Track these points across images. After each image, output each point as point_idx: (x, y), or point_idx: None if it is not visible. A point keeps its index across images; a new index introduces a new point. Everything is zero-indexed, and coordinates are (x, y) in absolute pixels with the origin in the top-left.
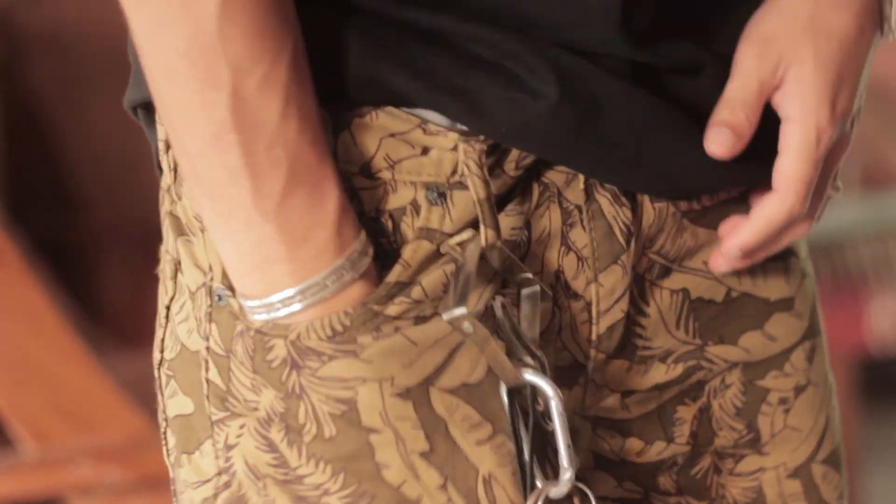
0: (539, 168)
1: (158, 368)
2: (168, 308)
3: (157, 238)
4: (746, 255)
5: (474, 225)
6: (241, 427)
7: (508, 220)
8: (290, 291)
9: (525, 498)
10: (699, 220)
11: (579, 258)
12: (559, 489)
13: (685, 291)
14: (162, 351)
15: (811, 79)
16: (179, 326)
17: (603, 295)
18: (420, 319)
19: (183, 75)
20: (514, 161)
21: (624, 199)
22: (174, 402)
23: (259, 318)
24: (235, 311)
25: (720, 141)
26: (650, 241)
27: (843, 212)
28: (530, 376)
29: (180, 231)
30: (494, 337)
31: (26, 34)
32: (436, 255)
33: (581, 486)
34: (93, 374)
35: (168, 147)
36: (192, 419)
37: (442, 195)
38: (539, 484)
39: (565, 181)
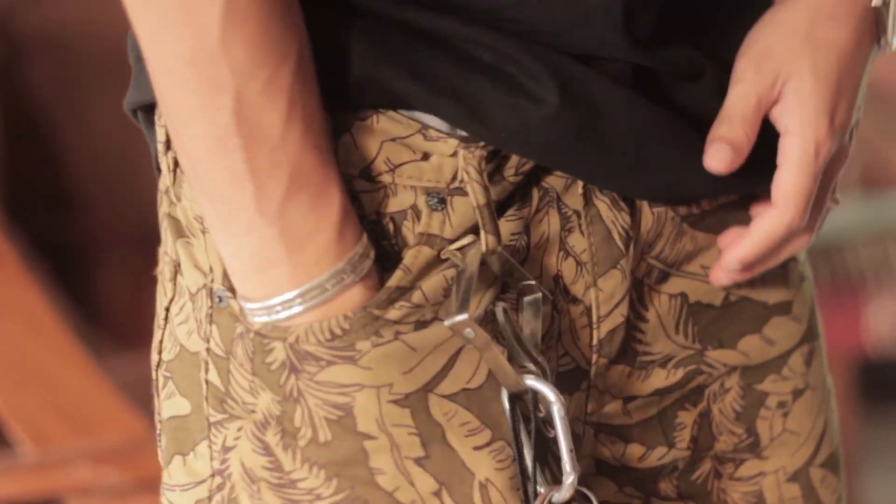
0: (538, 173)
1: (156, 370)
2: (167, 310)
3: (156, 240)
4: (746, 269)
5: (474, 230)
6: (239, 429)
7: (508, 226)
8: (290, 294)
9: (525, 503)
10: (698, 225)
11: (578, 263)
12: (562, 494)
13: (684, 296)
14: (160, 352)
15: (809, 92)
16: (179, 328)
17: (602, 300)
18: (420, 324)
19: (186, 79)
20: (514, 167)
21: (623, 204)
22: (170, 404)
23: (259, 320)
24: (236, 313)
25: (719, 157)
26: (649, 245)
27: (842, 214)
28: (532, 382)
29: (180, 233)
30: (496, 342)
31: (26, 35)
32: (436, 261)
33: (584, 490)
34: (91, 376)
35: (167, 148)
36: (189, 420)
37: (442, 201)
38: (541, 490)
39: (564, 186)
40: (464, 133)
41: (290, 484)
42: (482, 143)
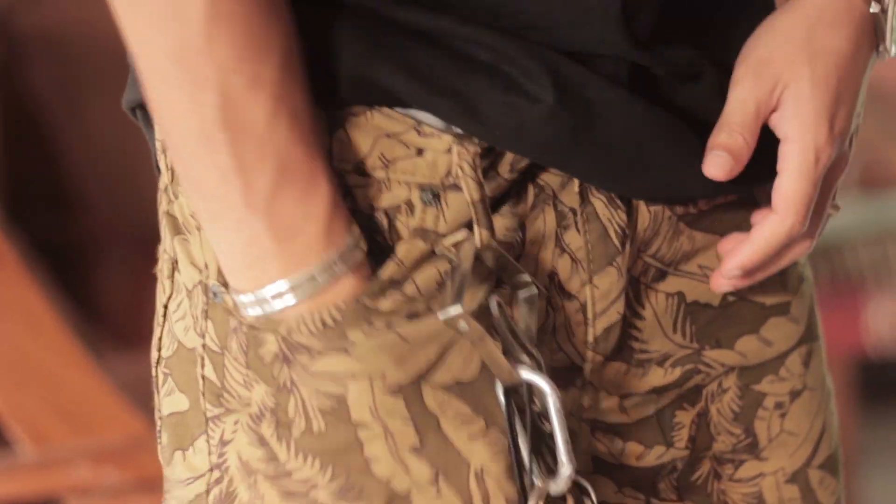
0: (534, 171)
1: (156, 367)
2: (166, 307)
3: (155, 239)
4: (746, 275)
5: (469, 226)
6: (236, 423)
7: (503, 221)
8: (281, 285)
9: (521, 494)
10: (695, 224)
11: (574, 260)
12: (558, 486)
13: (680, 295)
14: (159, 349)
15: (809, 99)
16: (176, 324)
17: (598, 297)
18: (412, 316)
19: (172, 76)
20: (509, 164)
21: (619, 202)
22: (170, 400)
23: (252, 312)
24: (230, 308)
25: (718, 164)
26: (645, 244)
27: (841, 214)
28: (527, 374)
29: (177, 230)
30: (490, 335)
31: (26, 35)
32: (430, 255)
33: (580, 480)
34: (91, 376)
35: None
36: (187, 416)
37: (436, 196)
38: (537, 481)
39: (560, 184)
40: (459, 130)
41: (285, 475)
42: (476, 140)
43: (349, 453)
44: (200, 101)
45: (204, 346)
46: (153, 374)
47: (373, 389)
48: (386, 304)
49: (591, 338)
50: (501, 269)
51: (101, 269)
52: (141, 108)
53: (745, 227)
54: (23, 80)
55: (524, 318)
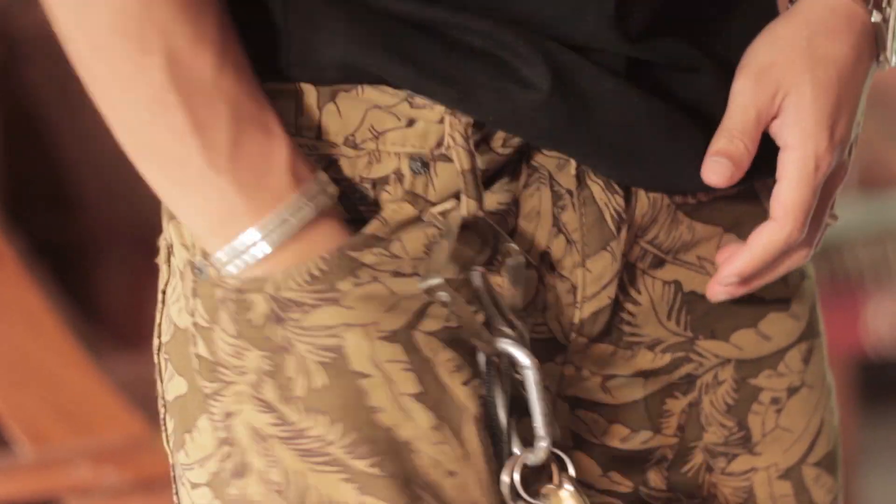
0: (529, 151)
1: (157, 354)
2: (164, 292)
3: (155, 238)
4: (744, 283)
5: (458, 197)
6: (237, 394)
7: (495, 196)
8: (253, 233)
9: (498, 460)
10: (695, 214)
11: (568, 241)
12: (536, 456)
13: (678, 284)
14: (159, 336)
15: (809, 107)
16: (172, 308)
17: (590, 280)
18: (398, 274)
19: (115, 48)
20: (502, 139)
21: (616, 187)
22: (171, 385)
23: (232, 269)
24: (214, 279)
25: (718, 171)
26: (643, 230)
27: (841, 214)
28: (506, 346)
29: (172, 214)
30: (474, 307)
31: (24, 36)
32: (417, 220)
33: (558, 452)
34: (90, 376)
35: None
36: (187, 398)
37: (425, 165)
38: (515, 450)
39: (557, 166)
40: None
41: (298, 434)
42: None
43: (355, 406)
44: (147, 66)
45: (195, 323)
46: (155, 361)
47: (369, 337)
48: (370, 257)
49: (577, 319)
50: (490, 239)
51: (101, 268)
52: None
53: (746, 219)
54: (22, 80)
55: (509, 287)
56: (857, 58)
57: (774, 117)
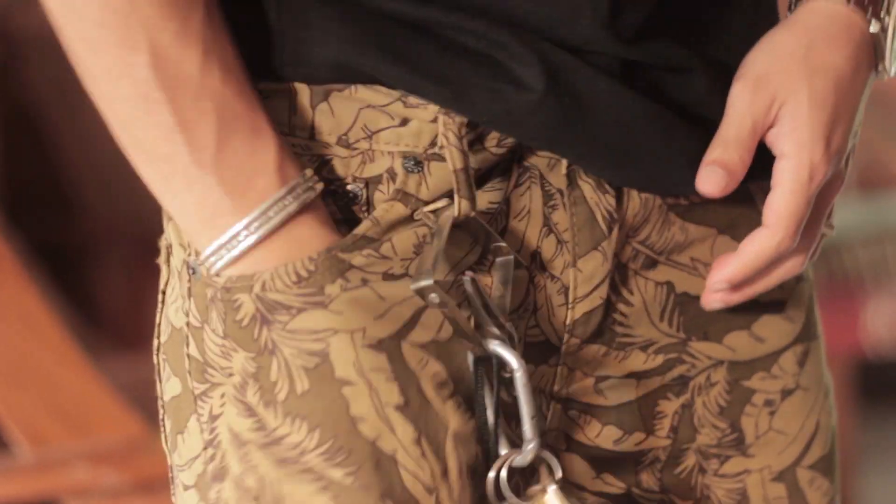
0: (521, 151)
1: (156, 355)
2: (164, 293)
3: (154, 239)
4: (736, 290)
5: (451, 196)
6: (223, 396)
7: (487, 195)
8: (237, 226)
9: (488, 462)
10: (687, 216)
11: (559, 241)
12: (523, 458)
13: (670, 285)
14: (158, 336)
15: (806, 116)
16: (170, 308)
17: (581, 280)
18: (389, 276)
19: (102, 43)
20: (496, 138)
21: (608, 187)
22: (169, 386)
23: (219, 265)
24: (205, 278)
25: (713, 181)
26: (634, 230)
27: (840, 214)
28: (496, 347)
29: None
30: (464, 308)
31: (23, 37)
32: (409, 219)
33: (546, 455)
34: (89, 377)
35: None
36: (181, 399)
37: (418, 164)
38: (502, 451)
39: (548, 165)
40: None
41: (275, 441)
42: None
43: (335, 414)
44: (132, 62)
45: (188, 324)
46: (155, 362)
47: (354, 344)
48: (359, 259)
49: (569, 320)
50: (483, 240)
51: (100, 269)
52: None
53: (741, 221)
54: (21, 81)
55: (499, 287)
56: (856, 68)
57: (771, 126)
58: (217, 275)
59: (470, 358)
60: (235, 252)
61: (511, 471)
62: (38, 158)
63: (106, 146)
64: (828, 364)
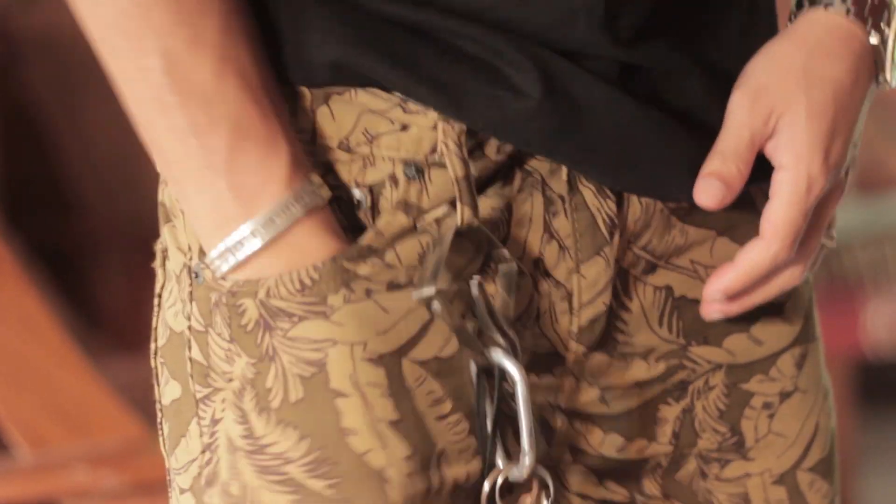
0: (522, 156)
1: (154, 358)
2: (160, 296)
3: (154, 241)
4: (734, 301)
5: (452, 203)
6: (223, 401)
7: (488, 202)
8: (242, 230)
9: (483, 473)
10: (688, 219)
11: (561, 247)
12: (519, 472)
13: (669, 289)
14: (155, 340)
15: (804, 128)
16: (168, 312)
17: (585, 286)
18: (393, 286)
19: (117, 45)
20: (496, 145)
21: (609, 193)
22: (167, 389)
23: (224, 268)
24: (210, 282)
25: (711, 193)
26: (636, 236)
27: (839, 216)
28: (498, 357)
29: (167, 218)
30: (467, 316)
31: (23, 38)
32: (411, 229)
33: (541, 471)
34: (89, 379)
35: None
36: (181, 402)
37: (419, 171)
38: (499, 463)
39: (549, 171)
40: None
41: (259, 450)
42: None
43: (325, 425)
44: (146, 67)
45: (190, 327)
46: (152, 365)
47: (353, 357)
48: (364, 268)
49: (575, 327)
50: (485, 248)
51: (99, 271)
52: None
53: (740, 223)
54: (20, 82)
55: (503, 295)
56: (855, 79)
57: (769, 137)
58: (223, 279)
59: (473, 369)
60: (241, 256)
61: (508, 484)
62: (38, 159)
63: (106, 147)
64: (827, 365)
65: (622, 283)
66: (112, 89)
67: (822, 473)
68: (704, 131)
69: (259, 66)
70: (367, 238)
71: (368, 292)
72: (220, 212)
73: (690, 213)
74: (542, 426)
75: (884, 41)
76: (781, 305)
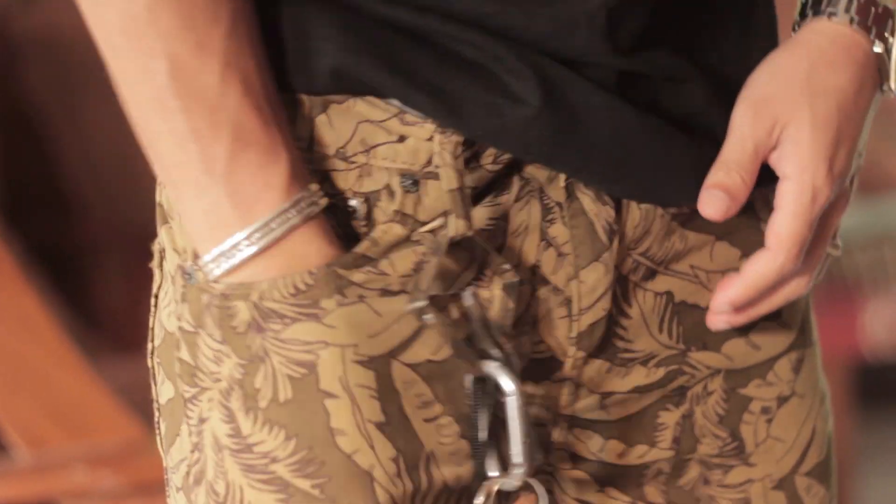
0: (519, 164)
1: (151, 358)
2: (156, 297)
3: (152, 242)
4: (739, 311)
5: (448, 215)
6: (210, 400)
7: (485, 211)
8: (238, 236)
9: (476, 481)
10: (688, 224)
11: (559, 254)
12: (511, 482)
13: (669, 294)
14: (152, 340)
15: (808, 138)
16: (163, 312)
17: (584, 292)
18: (386, 293)
19: (122, 47)
20: (492, 155)
21: (607, 199)
22: (163, 389)
23: (218, 272)
24: (202, 284)
25: (715, 205)
26: (635, 242)
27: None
28: (491, 370)
29: (164, 219)
30: (461, 327)
31: (22, 39)
32: (406, 240)
33: (533, 482)
34: (87, 380)
35: None
36: (174, 402)
37: (415, 183)
38: (491, 473)
39: (547, 178)
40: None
41: (246, 449)
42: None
43: (314, 424)
44: (150, 69)
45: (180, 328)
46: (149, 365)
47: (344, 359)
48: (358, 276)
49: (574, 333)
50: (481, 258)
51: (98, 272)
52: None
53: (740, 228)
54: (19, 82)
55: (499, 307)
56: (858, 89)
57: (773, 148)
58: (215, 281)
59: (468, 378)
60: (235, 261)
61: (500, 494)
62: (38, 160)
63: (106, 148)
64: (826, 367)
65: (622, 289)
66: (112, 90)
67: (818, 478)
68: (704, 137)
69: (262, 74)
70: (362, 247)
71: (361, 297)
72: (217, 218)
73: (691, 218)
74: (539, 435)
75: (888, 50)
76: (779, 311)
